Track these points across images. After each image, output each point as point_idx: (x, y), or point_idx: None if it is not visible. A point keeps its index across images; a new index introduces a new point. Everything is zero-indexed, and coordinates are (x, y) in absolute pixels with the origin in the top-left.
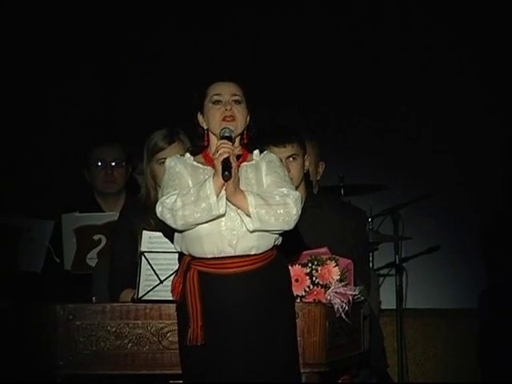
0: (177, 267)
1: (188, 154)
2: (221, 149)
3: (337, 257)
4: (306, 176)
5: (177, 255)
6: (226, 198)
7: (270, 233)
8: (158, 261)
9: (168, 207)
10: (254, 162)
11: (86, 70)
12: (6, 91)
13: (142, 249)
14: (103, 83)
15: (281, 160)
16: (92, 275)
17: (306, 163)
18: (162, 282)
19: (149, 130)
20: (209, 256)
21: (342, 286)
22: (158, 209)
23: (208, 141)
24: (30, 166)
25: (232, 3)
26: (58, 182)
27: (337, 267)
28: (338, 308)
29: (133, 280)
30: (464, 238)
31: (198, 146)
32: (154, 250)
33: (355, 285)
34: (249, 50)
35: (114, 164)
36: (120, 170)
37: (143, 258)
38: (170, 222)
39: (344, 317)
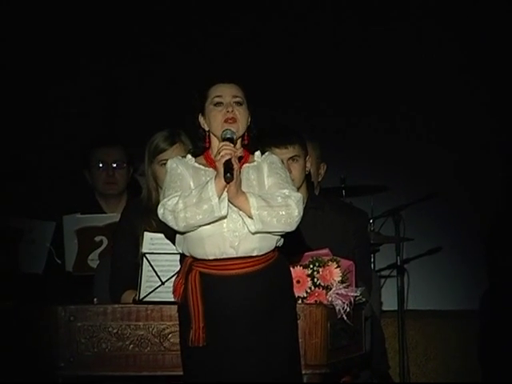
0: (178, 268)
1: (189, 156)
2: (223, 150)
3: (338, 258)
4: (307, 177)
5: (178, 256)
6: (228, 200)
7: (272, 234)
8: (160, 262)
9: (170, 209)
10: (255, 163)
11: (88, 70)
12: (7, 91)
13: (144, 250)
14: (104, 84)
15: (282, 161)
16: (93, 276)
17: (308, 164)
18: (163, 283)
19: (150, 132)
20: (210, 257)
21: (344, 288)
22: (160, 211)
23: (209, 142)
24: (32, 167)
25: (232, 3)
26: (59, 183)
27: (338, 268)
28: (339, 309)
29: (134, 281)
30: (465, 240)
31: (199, 147)
32: (155, 251)
33: (357, 286)
34: (249, 50)
35: (115, 165)
36: (121, 172)
37: (144, 259)
38: (171, 223)
39: (345, 318)
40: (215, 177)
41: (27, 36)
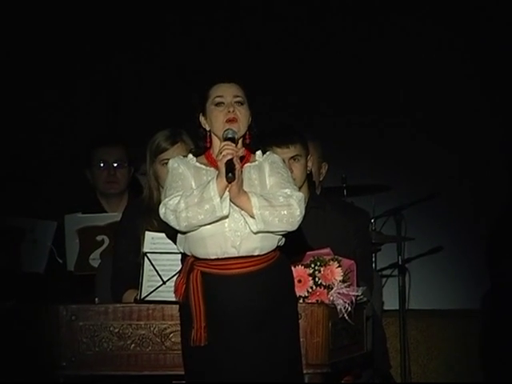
0: (179, 268)
1: (191, 155)
2: (224, 150)
3: (339, 257)
4: (308, 177)
5: (179, 256)
6: (230, 200)
7: (274, 234)
8: (161, 261)
9: (171, 209)
10: (257, 162)
11: (88, 70)
12: (8, 91)
13: (145, 249)
14: (106, 84)
15: (283, 161)
16: (95, 276)
17: (309, 164)
18: (164, 282)
19: (151, 131)
20: (212, 257)
21: (345, 287)
22: (161, 210)
23: (210, 142)
24: (32, 167)
25: (232, 4)
26: (60, 182)
27: (339, 268)
28: (340, 309)
29: (136, 281)
30: (467, 239)
31: (200, 147)
32: (156, 250)
33: (358, 285)
34: (249, 50)
35: (116, 165)
36: (122, 171)
37: (146, 258)
38: (173, 223)
39: (347, 317)
40: (217, 176)
41: (28, 36)
